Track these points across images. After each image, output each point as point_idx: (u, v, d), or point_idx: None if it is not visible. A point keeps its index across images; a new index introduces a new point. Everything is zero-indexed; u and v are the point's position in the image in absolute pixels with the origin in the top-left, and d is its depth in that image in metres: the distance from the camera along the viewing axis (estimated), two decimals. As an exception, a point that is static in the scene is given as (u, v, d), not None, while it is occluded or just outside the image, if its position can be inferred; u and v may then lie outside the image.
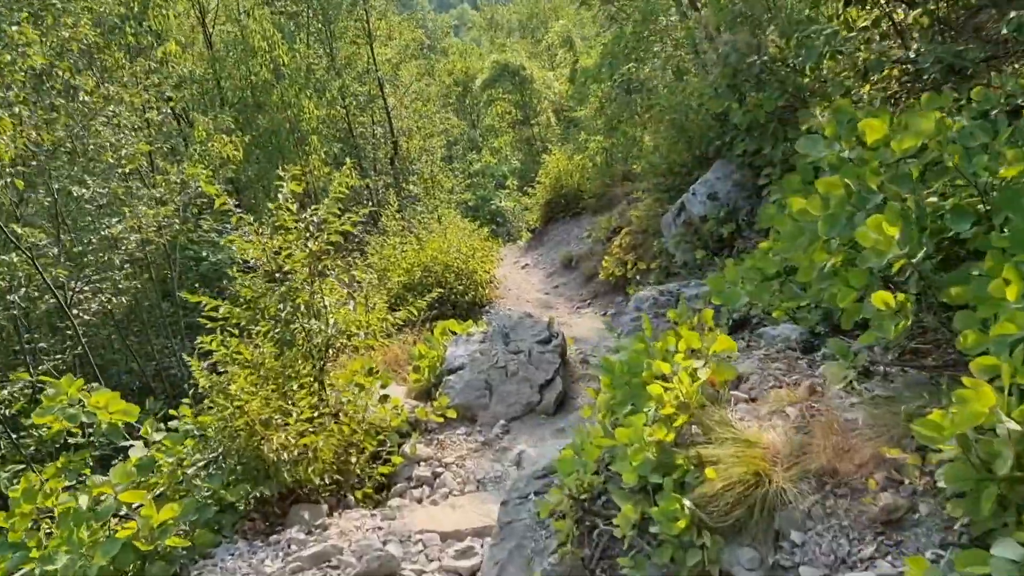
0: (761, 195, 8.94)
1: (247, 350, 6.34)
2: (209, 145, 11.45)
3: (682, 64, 11.52)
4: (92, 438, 5.92)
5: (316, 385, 6.81)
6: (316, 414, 6.19)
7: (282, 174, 7.01)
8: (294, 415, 5.85)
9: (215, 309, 6.65)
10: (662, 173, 10.68)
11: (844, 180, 3.91)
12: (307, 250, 7.17)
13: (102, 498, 4.92)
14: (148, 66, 10.54)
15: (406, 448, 7.06)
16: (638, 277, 10.60)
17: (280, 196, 7.03)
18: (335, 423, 6.32)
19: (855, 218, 3.83)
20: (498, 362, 7.95)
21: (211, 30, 17.28)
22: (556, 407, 7.74)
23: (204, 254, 12.91)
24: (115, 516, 4.97)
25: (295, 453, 5.72)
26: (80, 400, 5.23)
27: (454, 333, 8.83)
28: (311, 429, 6.01)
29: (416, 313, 7.58)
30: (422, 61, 25.88)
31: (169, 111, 10.71)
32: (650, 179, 11.08)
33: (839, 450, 3.21)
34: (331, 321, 7.05)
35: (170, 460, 5.45)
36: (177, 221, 10.18)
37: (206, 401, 6.35)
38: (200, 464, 5.66)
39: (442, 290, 7.95)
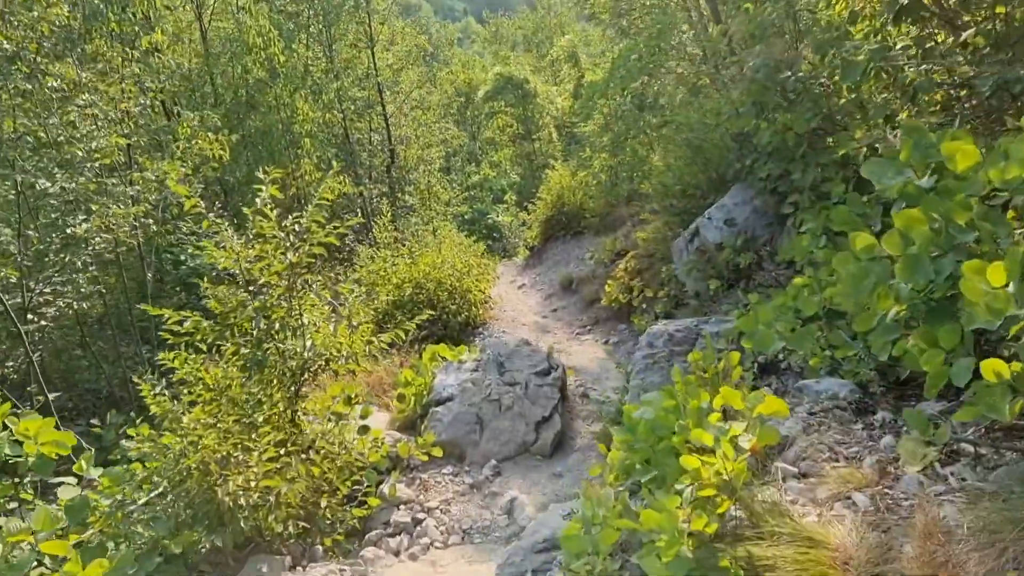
0: (784, 224, 8.27)
1: (209, 373, 5.60)
2: (193, 143, 10.71)
3: (699, 81, 10.88)
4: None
5: (288, 414, 6.07)
6: (284, 451, 5.44)
7: (262, 176, 6.29)
8: (256, 453, 5.09)
9: (179, 323, 5.93)
10: (674, 195, 10.00)
11: (930, 214, 3.21)
12: (286, 261, 6.47)
13: (18, 548, 4.15)
14: (129, 54, 9.81)
15: (385, 489, 6.32)
16: (644, 305, 9.90)
17: (258, 200, 6.32)
18: (305, 463, 5.56)
19: (942, 262, 3.15)
20: (491, 394, 7.21)
21: (207, 25, 16.58)
22: (553, 448, 7.00)
23: (183, 258, 12.15)
24: (35, 569, 4.20)
25: (255, 497, 4.96)
26: (5, 426, 4.45)
27: (444, 359, 8.09)
28: (277, 468, 5.26)
29: (404, 336, 6.85)
30: (424, 68, 25.26)
31: (148, 103, 9.97)
32: (661, 200, 10.40)
33: (935, 561, 2.49)
34: (308, 342, 6.32)
35: (107, 502, 4.68)
36: (152, 221, 9.41)
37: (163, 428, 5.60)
38: (143, 506, 4.88)
39: (433, 312, 7.25)
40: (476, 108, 32.58)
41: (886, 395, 4.07)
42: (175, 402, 5.61)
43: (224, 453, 5.05)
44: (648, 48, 12.17)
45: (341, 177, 17.46)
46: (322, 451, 6.03)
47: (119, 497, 4.79)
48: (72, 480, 4.72)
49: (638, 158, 14.34)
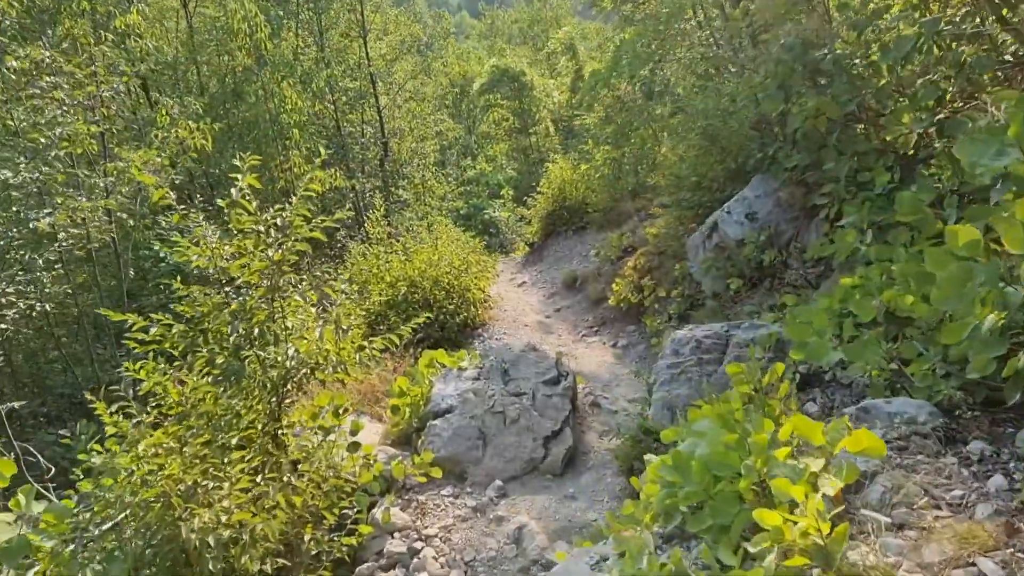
0: (812, 218, 7.61)
1: (177, 388, 4.92)
2: (172, 131, 9.99)
3: (713, 67, 10.20)
4: None
5: (268, 432, 5.39)
6: (261, 478, 4.75)
7: (239, 164, 5.60)
8: (227, 486, 4.40)
9: (145, 330, 5.26)
10: (687, 187, 9.33)
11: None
12: (267, 259, 5.78)
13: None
14: (102, 36, 9.08)
15: (377, 514, 5.65)
16: (656, 306, 9.23)
17: (234, 191, 5.63)
18: (286, 489, 4.87)
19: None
20: (495, 406, 6.54)
21: (192, 11, 15.83)
22: (564, 465, 6.33)
23: (163, 255, 11.43)
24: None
25: (226, 534, 4.27)
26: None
27: (442, 365, 7.40)
28: (253, 497, 4.58)
29: (397, 342, 6.17)
30: (418, 58, 24.56)
31: (122, 88, 9.24)
32: (673, 193, 9.73)
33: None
34: (291, 350, 5.63)
35: (51, 544, 3.99)
36: (127, 215, 8.70)
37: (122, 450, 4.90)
38: (97, 541, 4.20)
39: (431, 315, 6.60)
40: (471, 101, 31.88)
41: (976, 420, 3.41)
42: (138, 420, 4.92)
43: (191, 481, 4.37)
44: (656, 34, 11.51)
45: (332, 170, 16.80)
46: (306, 475, 5.35)
47: (68, 533, 4.10)
48: (8, 517, 4.03)
49: (644, 150, 13.68)
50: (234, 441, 4.68)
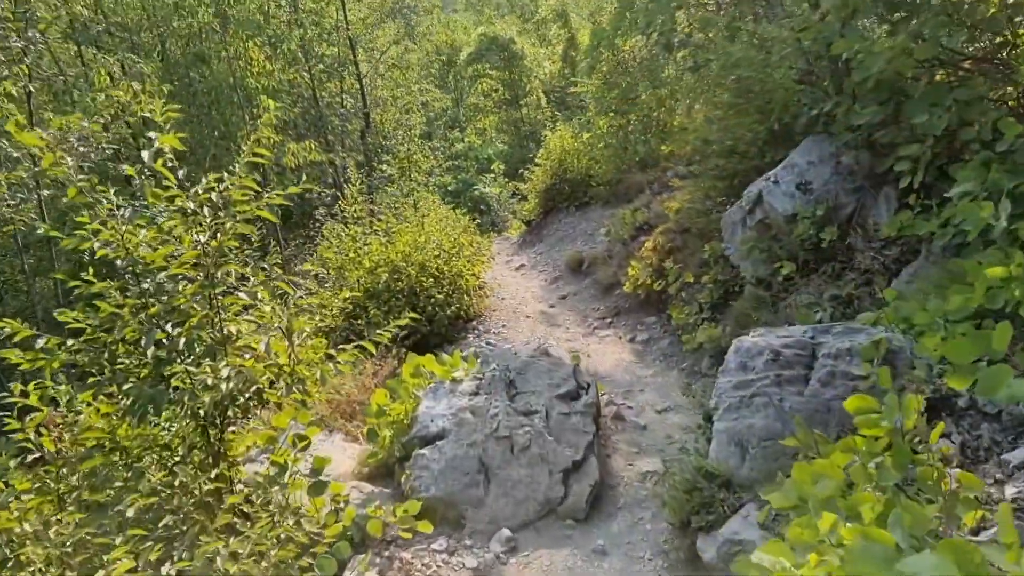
0: (880, 187, 6.23)
1: (52, 431, 3.52)
2: (110, 93, 8.45)
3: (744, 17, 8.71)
4: None
5: (198, 487, 4.04)
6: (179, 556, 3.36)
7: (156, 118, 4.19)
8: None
9: (32, 339, 3.91)
10: (718, 154, 7.91)
11: None
12: (199, 246, 4.40)
13: None
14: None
15: (348, 582, 4.28)
16: (683, 294, 7.83)
17: (145, 155, 4.24)
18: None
19: None
20: (499, 429, 5.15)
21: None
22: (589, 506, 4.96)
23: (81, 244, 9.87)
24: None
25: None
26: None
27: (432, 374, 5.98)
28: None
29: (374, 351, 4.76)
30: (401, 22, 22.97)
31: (42, 39, 7.68)
32: (699, 162, 8.31)
33: None
34: (226, 370, 4.22)
35: None
36: (23, 195, 7.21)
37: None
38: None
39: (417, 316, 5.23)
40: (459, 71, 30.25)
41: None
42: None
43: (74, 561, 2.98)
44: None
45: (308, 142, 15.25)
46: (254, 536, 3.96)
47: None
48: None
49: (653, 116, 12.23)
50: (131, 512, 3.28)
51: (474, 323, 9.04)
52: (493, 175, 24.25)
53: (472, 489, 4.92)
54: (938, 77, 5.75)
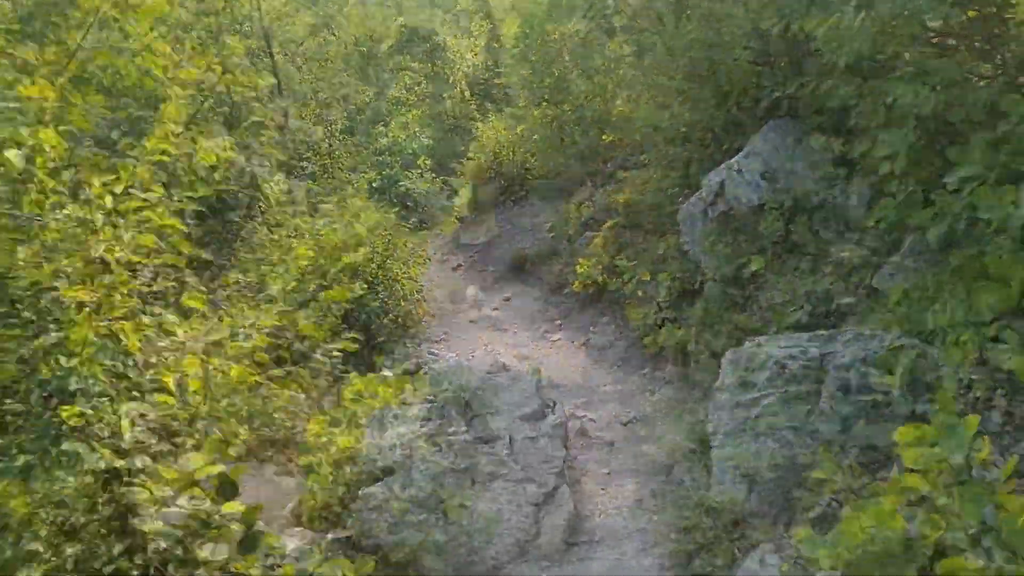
0: (852, 174, 5.84)
1: None
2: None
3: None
4: None
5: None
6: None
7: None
8: None
9: None
10: (671, 141, 7.44)
11: None
12: (93, 262, 3.72)
13: None
14: None
15: (289, 662, 3.57)
16: (640, 292, 7.33)
17: (13, 155, 3.49)
18: None
19: None
20: (457, 460, 4.50)
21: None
22: (566, 541, 4.36)
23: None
24: None
25: None
26: None
27: (375, 395, 5.26)
28: None
29: (305, 384, 4.06)
30: (319, 12, 21.97)
31: None
32: (650, 151, 7.83)
33: None
34: (128, 416, 3.48)
35: None
36: None
37: None
38: None
39: (358, 337, 4.56)
40: (379, 63, 29.27)
41: None
42: None
43: None
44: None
45: (221, 140, 14.17)
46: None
47: None
48: None
49: (589, 104, 11.72)
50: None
51: (413, 331, 8.33)
52: (419, 170, 23.47)
53: (430, 531, 4.26)
54: (916, 54, 5.39)
